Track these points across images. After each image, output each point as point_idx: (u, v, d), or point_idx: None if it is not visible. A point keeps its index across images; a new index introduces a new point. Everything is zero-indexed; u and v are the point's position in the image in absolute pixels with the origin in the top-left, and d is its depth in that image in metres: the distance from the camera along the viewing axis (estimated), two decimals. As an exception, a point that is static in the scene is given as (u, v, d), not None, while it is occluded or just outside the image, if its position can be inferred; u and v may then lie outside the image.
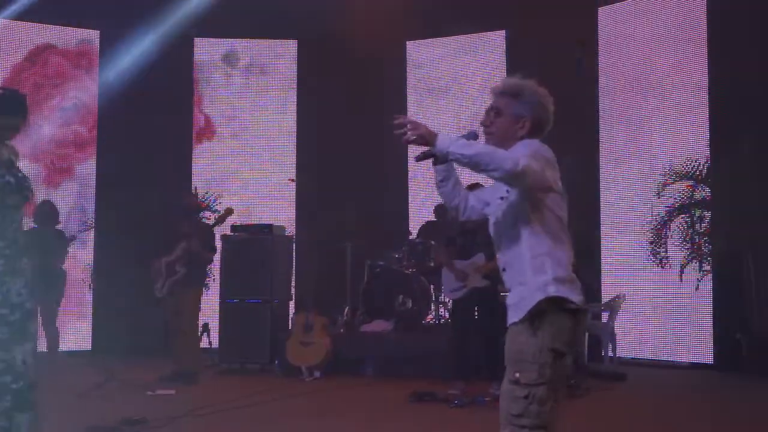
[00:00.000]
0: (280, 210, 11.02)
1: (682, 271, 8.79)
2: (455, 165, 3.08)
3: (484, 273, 6.92)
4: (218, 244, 8.51)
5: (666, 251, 8.93)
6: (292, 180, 10.85)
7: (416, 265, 8.91)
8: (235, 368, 8.90)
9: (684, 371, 8.93)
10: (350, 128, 10.51)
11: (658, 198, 9.05)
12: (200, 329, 8.59)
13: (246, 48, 11.42)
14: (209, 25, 10.68)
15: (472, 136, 3.08)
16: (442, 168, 3.17)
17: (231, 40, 11.36)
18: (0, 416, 3.81)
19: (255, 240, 9.03)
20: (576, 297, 2.97)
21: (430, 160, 3.10)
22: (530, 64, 9.67)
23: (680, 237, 8.88)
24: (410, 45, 11.34)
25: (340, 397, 7.30)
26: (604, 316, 9.13)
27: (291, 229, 10.50)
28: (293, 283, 9.76)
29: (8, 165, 3.94)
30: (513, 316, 3.01)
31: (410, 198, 11.13)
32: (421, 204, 10.75)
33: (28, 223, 8.47)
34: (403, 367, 8.20)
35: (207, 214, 10.08)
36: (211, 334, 9.18)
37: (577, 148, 9.30)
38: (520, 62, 10.13)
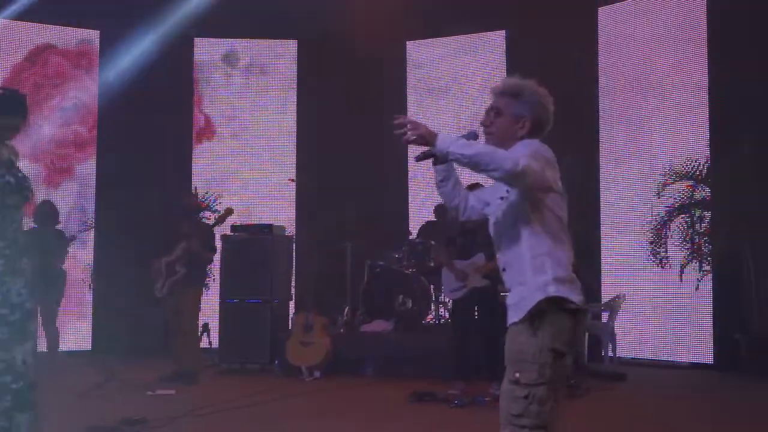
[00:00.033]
0: (280, 210, 11.02)
1: (682, 271, 8.79)
2: (455, 165, 3.08)
3: (484, 273, 6.92)
4: (218, 244, 8.52)
5: (666, 251, 8.93)
6: (293, 180, 10.85)
7: (416, 265, 8.91)
8: (235, 368, 8.90)
9: (684, 371, 8.93)
10: (350, 128, 10.52)
11: (658, 198, 9.05)
12: (200, 329, 8.59)
13: (246, 48, 11.42)
14: (209, 25, 10.68)
15: (472, 136, 3.08)
16: (442, 168, 3.18)
17: (231, 40, 11.36)
18: (0, 416, 3.82)
19: (255, 240, 9.03)
20: (576, 297, 2.97)
21: (430, 160, 3.10)
22: (530, 64, 9.69)
23: (680, 237, 8.89)
24: (410, 45, 11.34)
25: (340, 397, 7.30)
26: (604, 316, 9.13)
27: (291, 229, 10.50)
28: (293, 283, 9.76)
29: (8, 165, 3.94)
30: (513, 316, 3.01)
31: (410, 198, 11.13)
32: (421, 204, 10.75)
33: (28, 223, 8.48)
34: (403, 367, 8.20)
35: (207, 214, 10.08)
36: (211, 334, 9.18)
37: (577, 148, 9.31)
38: (519, 62, 10.13)
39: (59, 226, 8.65)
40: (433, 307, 9.19)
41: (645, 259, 9.22)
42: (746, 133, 8.36)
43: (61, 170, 10.61)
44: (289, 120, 11.34)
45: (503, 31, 10.76)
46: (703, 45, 9.15)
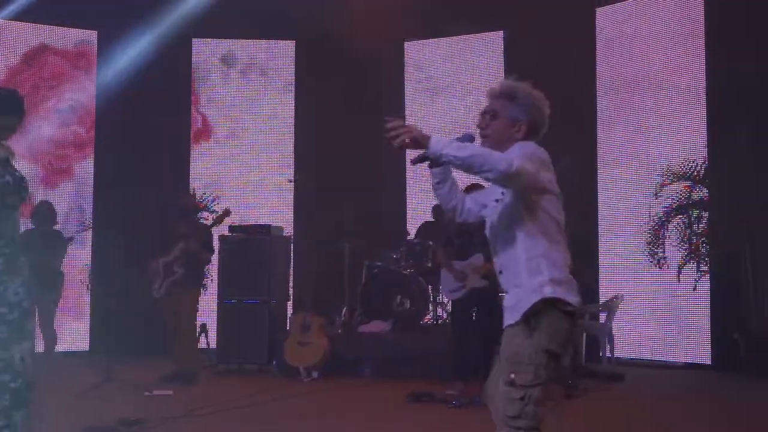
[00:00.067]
0: (278, 210, 11.01)
1: (679, 272, 8.79)
2: (452, 168, 3.09)
3: (483, 273, 6.92)
4: (216, 244, 8.51)
5: (664, 252, 8.93)
6: (291, 180, 10.84)
7: (414, 266, 8.91)
8: (233, 369, 8.90)
9: (681, 371, 8.94)
10: (348, 128, 10.51)
11: (656, 198, 9.05)
12: (198, 330, 8.58)
13: (244, 48, 11.41)
14: (207, 25, 10.68)
15: (468, 138, 3.08)
16: (438, 171, 3.18)
17: (229, 40, 11.35)
18: (-1, 415, 3.82)
19: (253, 240, 9.03)
20: (573, 299, 2.98)
21: (427, 163, 3.10)
22: (528, 65, 9.74)
23: (678, 237, 8.89)
24: (408, 45, 11.34)
25: (338, 398, 7.30)
26: (602, 317, 9.14)
27: (289, 230, 10.49)
28: (291, 284, 9.76)
29: (5, 165, 3.94)
30: (509, 318, 3.02)
31: (408, 198, 11.13)
32: (420, 204, 10.74)
33: (26, 224, 8.48)
34: (401, 367, 8.19)
35: (205, 214, 10.07)
36: (209, 334, 9.17)
37: (575, 149, 9.33)
38: (518, 63, 10.16)
39: (57, 227, 8.65)
40: (431, 308, 9.19)
41: (643, 260, 9.23)
42: (743, 134, 8.37)
43: (59, 171, 10.60)
44: (287, 120, 11.34)
45: (501, 32, 10.76)
46: (700, 45, 9.15)
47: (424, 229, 9.54)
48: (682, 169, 8.88)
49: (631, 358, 9.34)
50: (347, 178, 10.59)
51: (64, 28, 10.74)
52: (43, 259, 7.98)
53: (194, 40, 11.18)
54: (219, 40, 11.33)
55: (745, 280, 8.52)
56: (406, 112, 11.16)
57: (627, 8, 9.91)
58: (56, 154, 10.57)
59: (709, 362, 8.86)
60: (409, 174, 10.96)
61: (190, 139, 11.18)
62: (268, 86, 11.38)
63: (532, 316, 2.93)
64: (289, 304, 9.72)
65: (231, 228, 9.15)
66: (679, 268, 8.80)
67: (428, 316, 9.19)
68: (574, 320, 3.02)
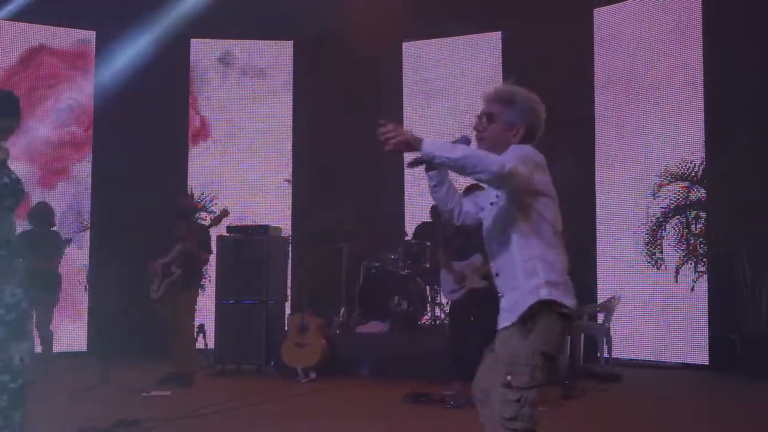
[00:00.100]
0: (276, 211, 11.00)
1: (677, 272, 8.80)
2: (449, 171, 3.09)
3: (482, 274, 6.92)
4: (214, 244, 8.50)
5: (661, 252, 8.94)
6: (288, 180, 10.85)
7: (412, 266, 8.91)
8: (230, 369, 8.89)
9: (679, 372, 8.94)
10: (346, 129, 10.51)
11: (654, 199, 9.06)
12: (196, 330, 8.58)
13: (242, 49, 11.41)
14: (205, 25, 10.68)
15: (465, 141, 3.09)
16: (434, 174, 3.19)
17: (227, 40, 11.35)
18: (-3, 415, 3.82)
19: (251, 241, 9.03)
20: (569, 301, 2.98)
21: (424, 166, 3.11)
22: (526, 65, 9.76)
23: (675, 238, 8.89)
24: (406, 46, 11.34)
25: (335, 398, 7.30)
26: (600, 317, 9.14)
27: (287, 230, 10.49)
28: (289, 284, 9.75)
29: (2, 167, 3.94)
30: (505, 320, 3.03)
31: (406, 199, 11.13)
32: (418, 205, 10.74)
33: (23, 225, 8.48)
34: (399, 367, 8.19)
35: (203, 215, 10.07)
36: (207, 335, 9.17)
37: (573, 149, 9.33)
38: (516, 63, 10.17)
39: (55, 228, 8.64)
40: (428, 308, 9.19)
41: (641, 261, 9.23)
42: (741, 135, 8.38)
43: (56, 171, 10.59)
44: (285, 121, 11.33)
45: (499, 32, 10.77)
46: (698, 46, 9.17)
47: (421, 229, 9.54)
48: (680, 170, 8.89)
49: (629, 359, 9.34)
50: (345, 179, 10.59)
51: (63, 28, 10.73)
52: (40, 260, 7.99)
53: (192, 40, 11.18)
54: (217, 40, 11.33)
55: (742, 281, 8.53)
56: (404, 113, 11.17)
57: (625, 9, 9.92)
58: (54, 154, 10.55)
59: (706, 363, 8.87)
60: (407, 175, 10.95)
61: (188, 139, 11.18)
62: (266, 86, 11.38)
63: (528, 318, 2.94)
64: (287, 304, 9.71)
65: (229, 228, 9.15)
66: (676, 268, 8.81)
67: (426, 317, 9.19)
68: (570, 323, 3.03)
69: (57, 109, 10.57)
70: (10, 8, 10.11)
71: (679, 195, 8.97)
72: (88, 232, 10.58)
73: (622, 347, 9.36)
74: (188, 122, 11.18)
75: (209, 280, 9.58)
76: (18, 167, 9.82)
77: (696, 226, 8.87)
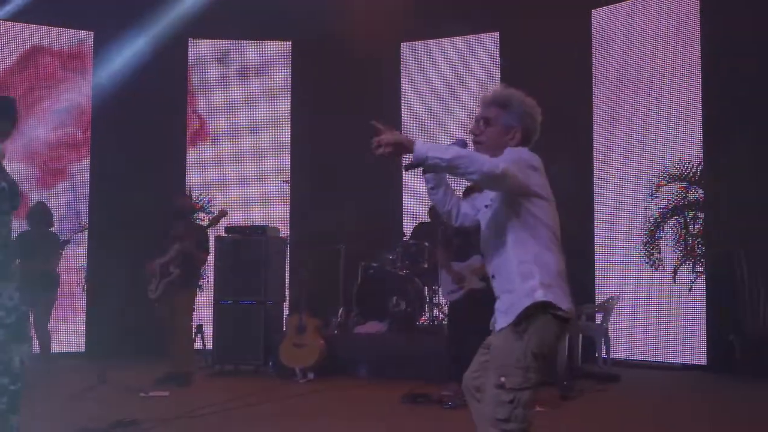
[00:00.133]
0: (274, 211, 11.00)
1: (675, 273, 8.80)
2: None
3: (481, 275, 6.91)
4: (212, 245, 8.49)
5: (659, 253, 8.94)
6: (286, 181, 10.85)
7: (410, 267, 8.91)
8: (228, 370, 8.89)
9: (677, 372, 8.95)
10: (344, 129, 10.48)
11: (652, 199, 9.07)
12: (194, 330, 8.57)
13: (240, 49, 11.41)
14: (203, 26, 10.67)
15: (461, 143, 3.10)
16: (431, 176, 3.21)
17: (225, 41, 11.35)
18: (-3, 418, 3.83)
19: (249, 241, 9.02)
20: (565, 305, 2.98)
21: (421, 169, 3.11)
22: (524, 66, 9.77)
23: (673, 239, 8.90)
24: (404, 46, 11.35)
25: (333, 398, 7.30)
26: (598, 318, 9.16)
27: (285, 231, 10.49)
28: (287, 285, 9.75)
29: (0, 170, 3.95)
30: (501, 322, 3.03)
31: (404, 199, 11.13)
32: (416, 205, 10.74)
33: (21, 225, 8.48)
34: (397, 368, 8.19)
35: (201, 215, 10.06)
36: (205, 335, 9.16)
37: (571, 149, 9.35)
38: (514, 64, 10.18)
39: (53, 228, 8.64)
40: (427, 309, 9.19)
41: (639, 261, 9.24)
42: (739, 135, 8.38)
43: (54, 172, 10.58)
44: (283, 121, 11.34)
45: (497, 33, 10.78)
46: (696, 47, 9.17)
47: (419, 230, 9.53)
48: (678, 170, 8.89)
49: (627, 359, 9.35)
50: (343, 179, 10.59)
51: (60, 29, 10.72)
52: (38, 260, 7.99)
53: (190, 40, 11.17)
54: (215, 40, 11.32)
55: (740, 282, 8.53)
56: (403, 113, 11.18)
57: (623, 9, 9.93)
58: (52, 155, 10.54)
59: (704, 363, 8.88)
60: (405, 175, 10.96)
61: (186, 140, 11.18)
62: (265, 87, 11.38)
63: (523, 320, 2.94)
64: (285, 305, 9.71)
65: (227, 229, 9.14)
66: (674, 269, 8.81)
67: (424, 317, 9.19)
68: (566, 326, 3.03)
69: (55, 110, 10.56)
70: (8, 8, 10.10)
71: (677, 195, 8.97)
72: (86, 233, 10.57)
73: (620, 348, 9.37)
74: (186, 123, 11.18)
75: (207, 280, 9.58)
76: (16, 168, 9.91)
77: (694, 227, 8.86)
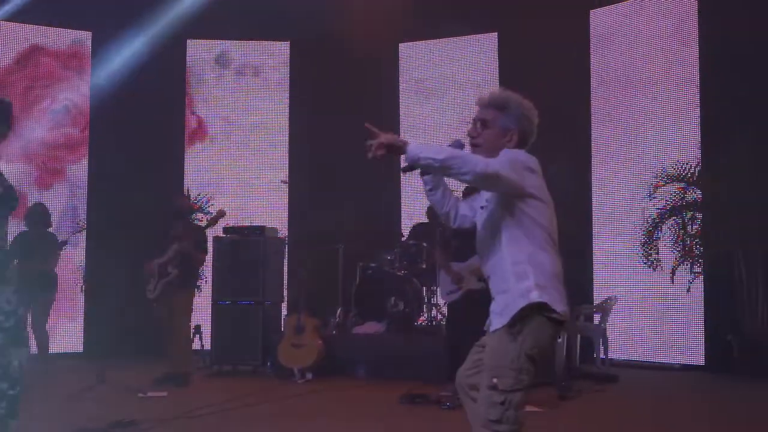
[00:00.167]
0: (272, 212, 11.00)
1: (673, 273, 8.81)
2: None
3: (479, 275, 6.91)
4: (210, 245, 8.49)
5: (657, 253, 8.94)
6: (285, 181, 10.85)
7: (408, 267, 8.91)
8: (227, 370, 8.89)
9: (675, 373, 8.96)
10: (343, 129, 10.46)
11: (650, 200, 9.07)
12: (192, 331, 8.57)
13: (238, 49, 11.40)
14: (202, 26, 10.67)
15: (458, 145, 3.10)
16: (428, 178, 3.22)
17: (223, 41, 11.34)
18: (-4, 423, 3.83)
19: (247, 241, 9.02)
20: (560, 306, 2.98)
21: (419, 170, 3.11)
22: (522, 66, 9.78)
23: (672, 239, 8.90)
24: (403, 46, 11.35)
25: (332, 399, 7.30)
26: (596, 318, 9.16)
27: (283, 231, 10.48)
28: (285, 285, 9.75)
29: (-2, 174, 3.95)
30: (496, 323, 3.03)
31: (403, 200, 11.13)
32: (414, 205, 10.74)
33: (19, 226, 8.48)
34: (395, 368, 8.19)
35: (199, 215, 10.06)
36: (203, 335, 9.15)
37: (569, 150, 9.36)
38: (512, 64, 10.19)
39: (51, 229, 8.63)
40: (425, 309, 9.19)
41: (637, 261, 9.24)
42: (737, 136, 8.39)
43: (52, 172, 10.58)
44: (281, 121, 11.34)
45: (495, 33, 10.78)
46: (694, 47, 9.18)
47: (418, 230, 9.54)
48: (676, 171, 8.89)
49: (625, 360, 9.35)
50: (342, 179, 10.59)
51: (58, 29, 10.72)
52: (37, 261, 7.99)
53: (188, 41, 11.17)
54: (213, 41, 11.32)
55: (738, 282, 8.54)
56: (401, 113, 11.18)
57: (621, 9, 9.93)
58: (50, 155, 10.54)
59: (702, 363, 8.89)
60: (403, 176, 10.95)
61: (184, 140, 11.18)
62: (263, 87, 11.38)
63: (518, 321, 2.94)
64: (284, 305, 9.71)
65: (225, 229, 9.15)
66: (672, 269, 8.81)
67: (422, 318, 9.19)
68: (560, 328, 3.03)
69: (53, 110, 10.56)
70: (6, 8, 10.10)
71: (675, 196, 8.97)
72: (84, 233, 10.56)
73: (618, 348, 9.37)
74: (185, 123, 11.18)
75: (205, 280, 9.58)
76: (14, 168, 9.91)
77: (692, 227, 8.86)
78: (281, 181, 10.87)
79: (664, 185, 8.93)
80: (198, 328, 8.98)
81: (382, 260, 9.10)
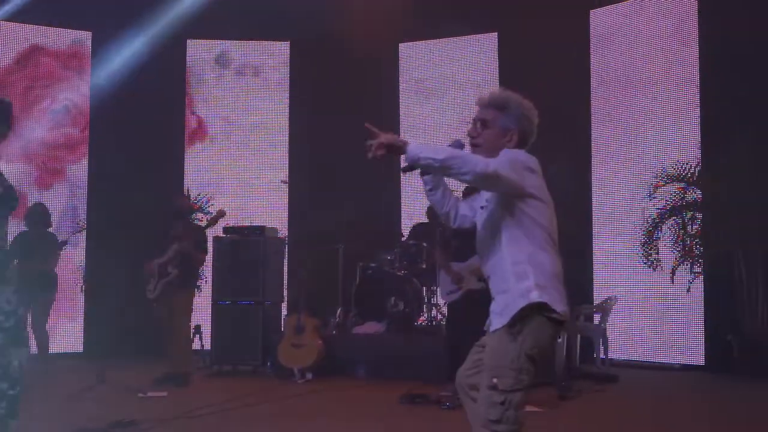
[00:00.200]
0: (272, 211, 11.00)
1: (673, 273, 8.80)
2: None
3: (479, 275, 6.91)
4: (210, 245, 8.49)
5: (657, 253, 8.94)
6: (285, 181, 10.85)
7: (408, 267, 8.91)
8: (227, 370, 8.89)
9: (675, 373, 8.96)
10: (343, 129, 10.46)
11: (650, 200, 9.07)
12: (192, 331, 8.57)
13: (238, 49, 11.40)
14: (202, 26, 10.67)
15: (458, 145, 3.10)
16: (429, 178, 3.22)
17: (223, 41, 11.34)
18: (-4, 423, 3.83)
19: (247, 241, 9.02)
20: (560, 306, 2.98)
21: (419, 170, 3.12)
22: (522, 66, 9.77)
23: (672, 239, 8.90)
24: (403, 46, 11.35)
25: (332, 399, 7.29)
26: (596, 318, 9.16)
27: (283, 231, 10.48)
28: (285, 285, 9.75)
29: (-2, 174, 3.95)
30: (496, 323, 3.03)
31: (403, 200, 11.13)
32: (414, 205, 10.74)
33: (19, 226, 8.48)
34: (395, 368, 8.19)
35: (199, 215, 10.06)
36: (203, 335, 9.15)
37: (569, 150, 9.35)
38: (512, 64, 10.19)
39: (51, 229, 8.63)
40: (425, 309, 9.19)
41: (637, 261, 9.24)
42: (738, 136, 8.39)
43: (52, 172, 10.58)
44: (281, 121, 11.34)
45: (495, 33, 10.78)
46: (694, 46, 9.18)
47: (418, 230, 9.54)
48: (676, 171, 8.89)
49: (625, 360, 9.35)
50: (342, 179, 10.59)
51: (58, 29, 10.72)
52: (37, 261, 7.99)
53: (188, 41, 11.17)
54: (213, 41, 11.32)
55: (738, 282, 8.54)
56: (401, 113, 11.18)
57: (621, 9, 9.93)
58: (50, 155, 10.54)
59: (702, 363, 8.88)
60: (403, 176, 10.94)
61: (184, 140, 11.18)
62: (263, 87, 11.38)
63: (518, 321, 2.94)
64: (284, 305, 9.71)
65: (225, 229, 9.15)
66: (672, 269, 8.81)
67: (422, 318, 9.19)
68: (560, 328, 3.03)
69: (53, 110, 10.56)
70: (6, 8, 10.10)
71: (675, 196, 8.97)
72: (84, 233, 10.56)
73: (618, 348, 9.37)
74: (185, 123, 11.18)
75: (205, 280, 9.57)
76: (14, 168, 9.91)
77: (692, 227, 8.86)
78: (281, 181, 10.88)
79: (664, 185, 8.93)
80: (198, 328, 8.99)
81: (382, 260, 9.10)
